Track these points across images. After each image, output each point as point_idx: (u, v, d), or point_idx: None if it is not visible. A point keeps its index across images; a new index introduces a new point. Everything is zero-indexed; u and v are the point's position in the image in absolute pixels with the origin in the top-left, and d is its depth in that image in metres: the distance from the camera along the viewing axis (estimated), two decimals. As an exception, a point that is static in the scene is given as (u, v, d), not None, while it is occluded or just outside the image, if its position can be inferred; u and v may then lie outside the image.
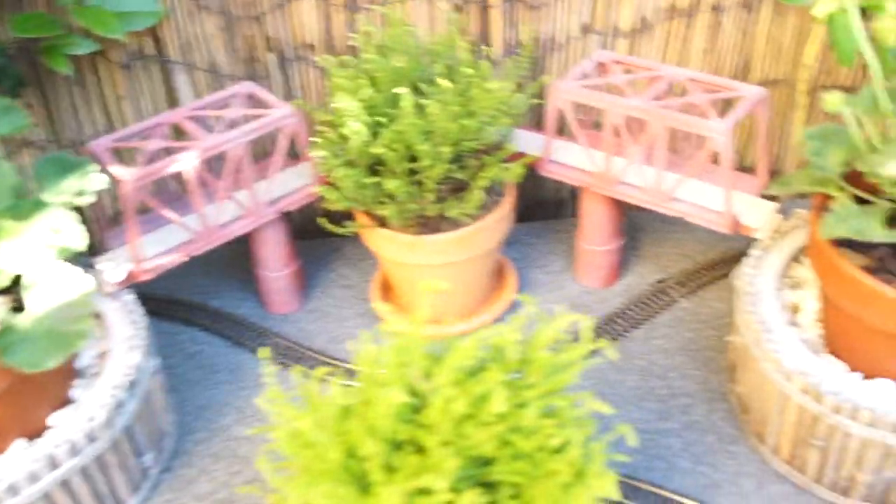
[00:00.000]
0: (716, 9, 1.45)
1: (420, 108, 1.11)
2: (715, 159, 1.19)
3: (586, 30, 1.46)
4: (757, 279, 1.13)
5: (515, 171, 1.16)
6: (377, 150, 1.10)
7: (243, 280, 1.51)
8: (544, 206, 1.68)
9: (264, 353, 0.83)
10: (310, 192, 1.32)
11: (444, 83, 1.11)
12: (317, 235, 1.70)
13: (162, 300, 1.47)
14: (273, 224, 1.31)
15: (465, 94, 1.16)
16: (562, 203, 1.67)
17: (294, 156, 1.36)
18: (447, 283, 1.26)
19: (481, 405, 0.74)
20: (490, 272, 1.32)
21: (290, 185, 1.33)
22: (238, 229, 1.27)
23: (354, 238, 1.56)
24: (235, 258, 1.57)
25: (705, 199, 1.24)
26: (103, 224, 1.30)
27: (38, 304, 0.97)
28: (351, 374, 1.29)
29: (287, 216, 1.34)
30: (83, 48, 1.38)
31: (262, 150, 1.49)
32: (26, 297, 0.98)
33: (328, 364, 1.31)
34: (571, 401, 0.80)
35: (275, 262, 1.36)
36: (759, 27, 1.48)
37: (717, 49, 1.50)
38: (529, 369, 0.79)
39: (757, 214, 1.21)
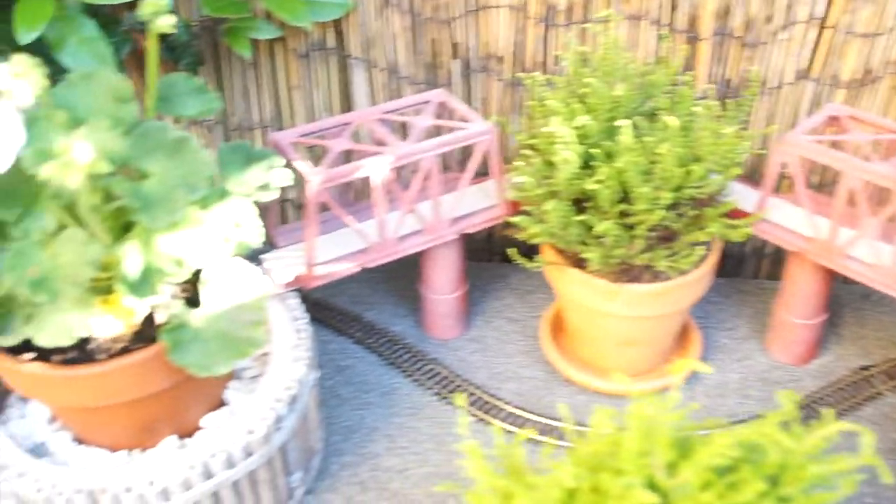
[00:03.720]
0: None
1: (641, 145, 1.01)
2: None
3: (801, 76, 1.34)
4: None
5: (742, 230, 1.05)
6: (590, 185, 0.99)
7: (401, 296, 1.43)
8: (725, 262, 1.56)
9: (460, 399, 0.73)
10: (496, 217, 1.23)
11: (670, 121, 1.00)
12: (479, 258, 1.61)
13: (313, 303, 1.39)
14: (450, 244, 1.22)
15: (690, 134, 1.05)
16: (742, 260, 1.55)
17: (478, 174, 1.27)
18: (634, 338, 1.16)
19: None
20: (678, 330, 1.21)
21: (474, 205, 1.24)
22: (415, 245, 1.18)
23: (522, 268, 1.47)
24: (394, 270, 1.48)
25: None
26: (272, 221, 1.22)
27: (213, 302, 0.90)
28: (513, 418, 1.19)
29: (464, 236, 1.24)
30: (266, 33, 1.33)
31: (446, 163, 1.40)
32: (202, 292, 0.90)
33: (488, 402, 1.22)
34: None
35: (444, 284, 1.27)
36: None
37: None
38: (786, 477, 0.68)
39: None
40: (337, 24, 1.39)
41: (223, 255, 0.91)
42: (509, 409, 1.21)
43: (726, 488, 0.64)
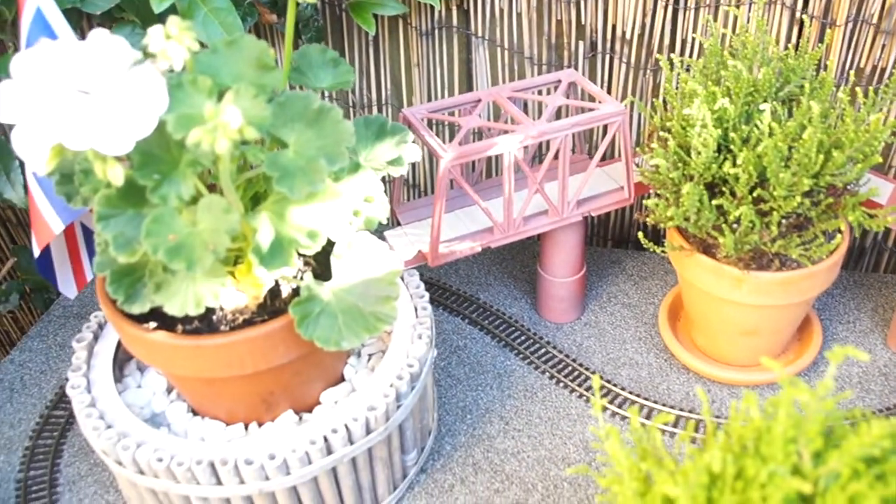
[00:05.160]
0: None
1: (782, 130, 0.98)
2: None
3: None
4: None
5: (882, 220, 1.02)
6: (730, 169, 0.97)
7: (515, 278, 1.42)
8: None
9: (596, 381, 0.71)
10: (623, 200, 1.20)
11: (813, 105, 0.98)
12: (594, 243, 1.60)
13: (425, 283, 1.39)
14: (573, 227, 1.21)
15: (829, 120, 1.02)
16: (862, 253, 1.51)
17: (603, 157, 1.25)
18: (757, 327, 1.13)
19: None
20: (800, 322, 1.18)
21: (600, 188, 1.22)
22: (540, 226, 1.17)
23: (637, 253, 1.45)
24: (507, 252, 1.47)
25: None
26: (396, 197, 1.22)
27: (343, 276, 0.89)
28: (628, 404, 1.18)
29: (585, 220, 1.23)
30: (391, 9, 1.33)
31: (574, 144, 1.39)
32: (335, 266, 0.90)
33: (604, 387, 1.20)
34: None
35: (563, 267, 1.25)
36: None
37: None
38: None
39: None
40: (462, 3, 1.39)
41: (353, 229, 0.91)
42: (625, 394, 1.19)
43: (874, 479, 0.61)
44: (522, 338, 1.29)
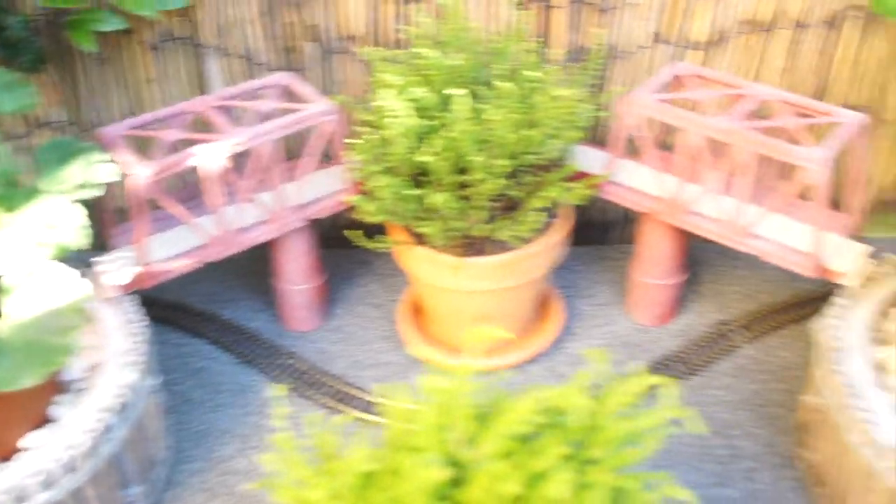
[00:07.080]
0: (799, 25, 1.31)
1: (476, 114, 0.97)
2: (804, 193, 1.05)
3: (656, 39, 1.32)
4: (843, 333, 0.99)
5: (580, 192, 1.02)
6: (423, 157, 0.96)
7: (260, 290, 1.38)
8: (590, 230, 1.53)
9: (281, 389, 0.69)
10: (341, 200, 1.18)
11: (505, 86, 0.97)
12: (343, 245, 1.57)
13: (167, 306, 1.34)
14: (299, 232, 1.18)
15: (527, 101, 1.02)
16: (609, 227, 1.53)
17: (327, 157, 1.22)
18: (488, 312, 1.13)
19: (536, 485, 0.59)
20: (536, 301, 1.18)
21: (320, 190, 1.19)
22: (259, 236, 1.14)
23: (386, 253, 1.43)
24: (253, 264, 1.43)
25: (788, 236, 1.09)
26: (109, 220, 1.16)
27: (20, 310, 0.84)
28: (371, 406, 1.15)
29: (314, 224, 1.20)
30: (110, 25, 1.27)
31: (293, 149, 1.35)
32: (6, 301, 0.84)
33: (343, 391, 1.18)
34: (642, 482, 0.65)
35: (297, 274, 1.22)
36: (841, 48, 1.34)
37: (795, 68, 1.35)
38: (594, 439, 0.64)
39: (846, 258, 1.06)
40: (188, 13, 1.34)
41: (35, 260, 0.85)
42: (368, 397, 1.17)
43: (528, 456, 0.60)
44: (264, 352, 1.26)
